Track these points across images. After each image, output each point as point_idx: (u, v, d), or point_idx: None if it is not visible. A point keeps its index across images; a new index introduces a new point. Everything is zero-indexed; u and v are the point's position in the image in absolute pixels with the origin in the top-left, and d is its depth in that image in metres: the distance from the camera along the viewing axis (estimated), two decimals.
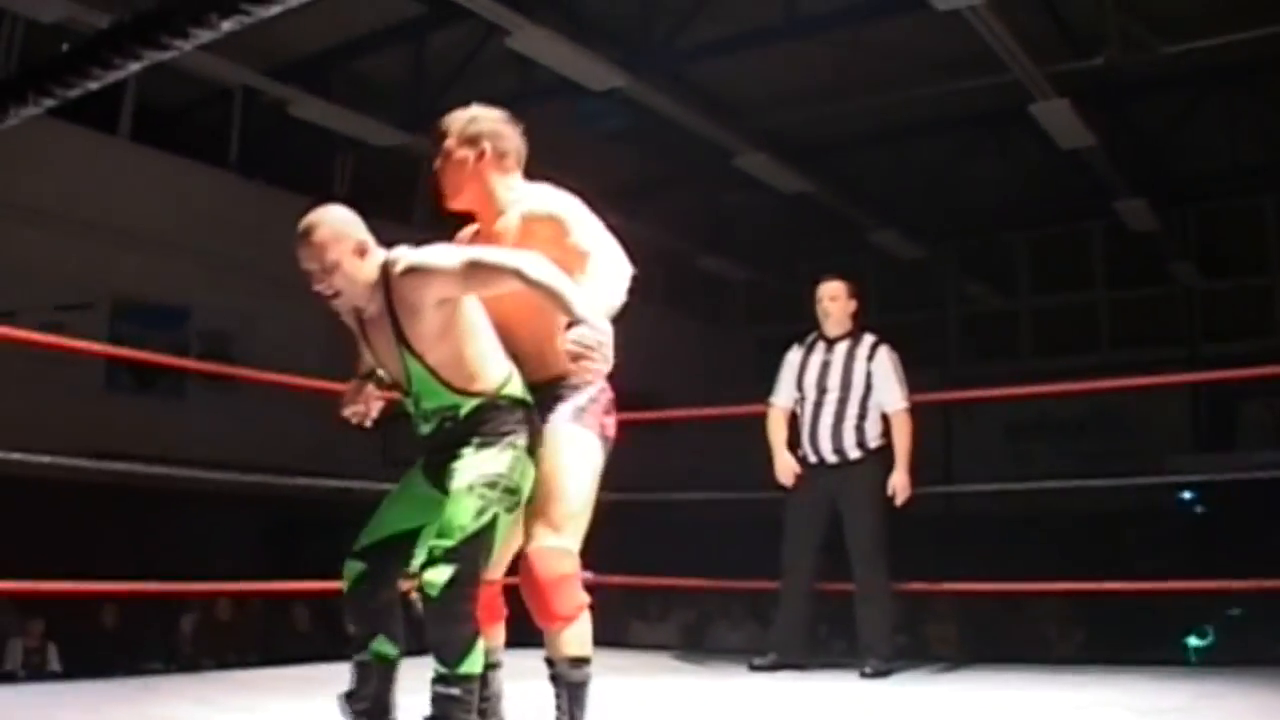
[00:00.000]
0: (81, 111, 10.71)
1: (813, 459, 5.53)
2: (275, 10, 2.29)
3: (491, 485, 2.86)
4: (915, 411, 5.49)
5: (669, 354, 14.93)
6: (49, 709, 4.02)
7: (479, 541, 2.82)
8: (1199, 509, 15.10)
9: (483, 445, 2.92)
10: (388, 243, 3.15)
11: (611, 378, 3.04)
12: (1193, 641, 11.62)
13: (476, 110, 3.28)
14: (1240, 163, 13.69)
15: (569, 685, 2.94)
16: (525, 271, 2.86)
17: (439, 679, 2.82)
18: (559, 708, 2.94)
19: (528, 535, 2.95)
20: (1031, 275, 17.20)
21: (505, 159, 3.24)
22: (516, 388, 2.99)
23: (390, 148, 11.58)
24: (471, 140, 3.21)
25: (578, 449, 3.02)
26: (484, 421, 2.95)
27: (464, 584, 2.79)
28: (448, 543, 2.81)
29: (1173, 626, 11.83)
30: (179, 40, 2.38)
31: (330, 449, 11.50)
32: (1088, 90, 10.77)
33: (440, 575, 2.78)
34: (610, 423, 3.13)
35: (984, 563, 7.22)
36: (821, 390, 5.54)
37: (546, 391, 3.07)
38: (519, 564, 2.98)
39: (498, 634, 3.27)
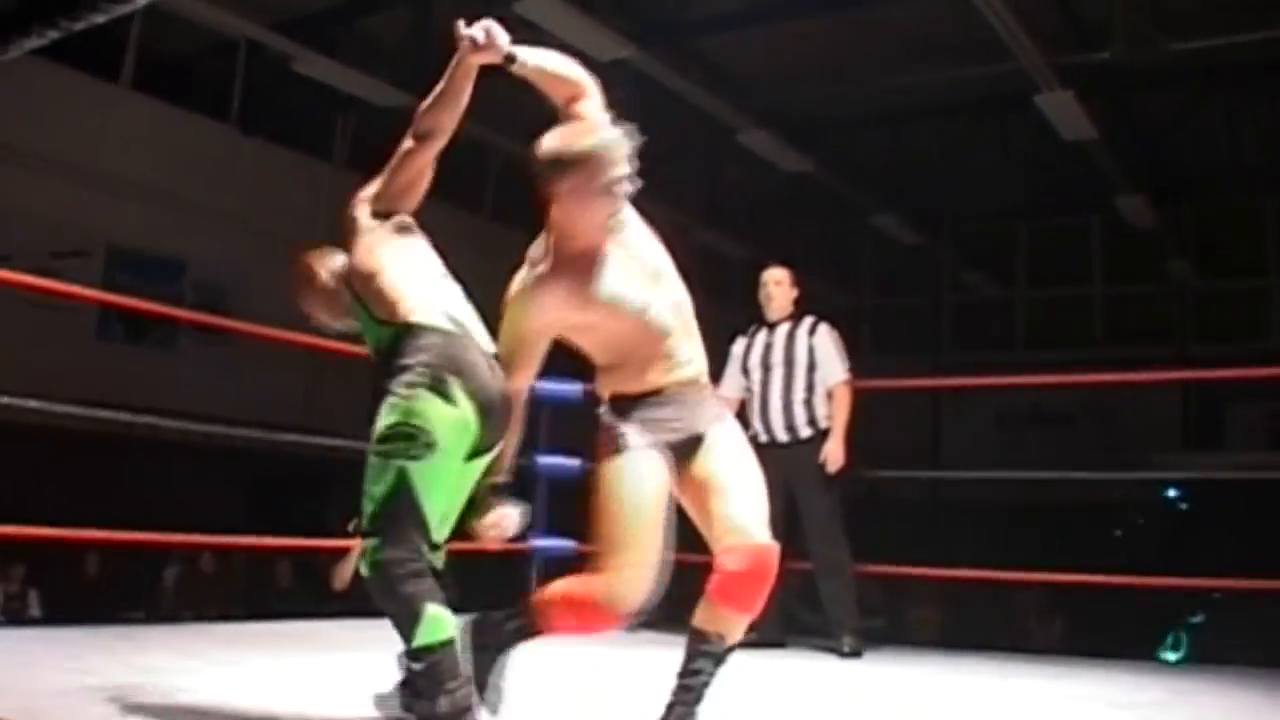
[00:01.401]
0: (84, 58, 10.68)
1: (764, 438, 5.56)
2: None
3: (385, 440, 2.70)
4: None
5: None
6: (30, 654, 4.02)
7: (395, 504, 2.67)
8: (1183, 506, 15.16)
9: (383, 401, 2.78)
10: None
11: None
12: (1169, 656, 11.65)
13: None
14: (1241, 163, 13.71)
15: (718, 659, 2.88)
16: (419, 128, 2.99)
17: (405, 655, 2.74)
18: (700, 675, 2.86)
19: (747, 525, 2.85)
20: (1028, 267, 17.21)
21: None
22: (435, 317, 2.85)
23: (392, 108, 11.53)
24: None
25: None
26: (397, 353, 2.80)
27: (396, 553, 2.66)
28: (366, 515, 2.71)
29: (1152, 623, 11.88)
30: None
31: (320, 405, 11.53)
32: (1092, 83, 10.74)
33: (369, 553, 2.68)
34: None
35: (967, 549, 7.24)
36: (766, 368, 5.69)
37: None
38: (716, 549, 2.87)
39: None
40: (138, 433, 8.21)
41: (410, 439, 2.69)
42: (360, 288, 2.97)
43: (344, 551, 6.75)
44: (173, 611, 10.12)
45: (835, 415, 5.55)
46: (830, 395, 5.61)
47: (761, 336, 5.81)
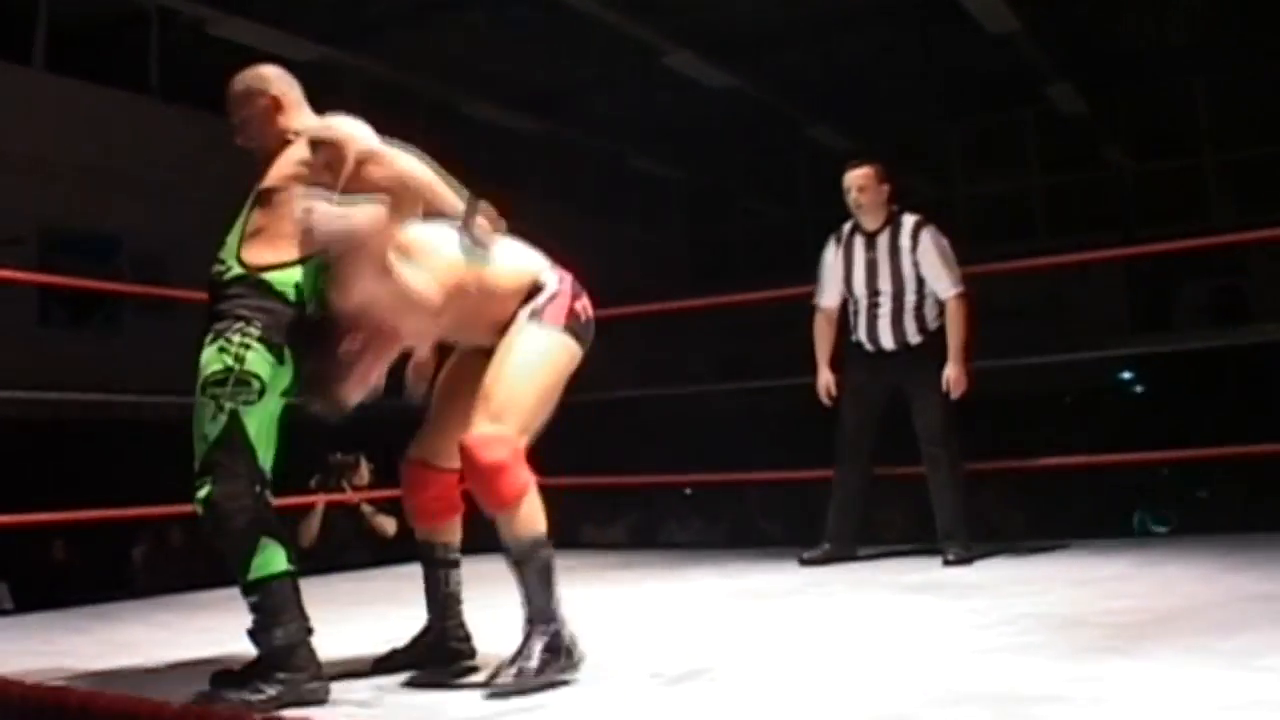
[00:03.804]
0: None
1: (870, 348, 5.29)
2: None
3: (219, 382, 2.78)
4: (969, 297, 5.18)
5: (606, 255, 14.89)
6: (2, 642, 4.00)
7: (228, 445, 2.76)
8: (1137, 389, 15.35)
9: (214, 338, 2.84)
10: None
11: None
12: (1158, 529, 11.79)
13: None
14: (1168, 43, 13.75)
15: (532, 568, 2.89)
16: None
17: (241, 590, 2.78)
18: (525, 597, 2.90)
19: (471, 424, 2.92)
20: (964, 165, 17.26)
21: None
22: (285, 282, 2.88)
23: (311, 62, 11.40)
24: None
25: (531, 343, 3.01)
26: (230, 297, 2.88)
27: (227, 494, 2.74)
28: (198, 455, 2.77)
29: (1114, 505, 12.03)
30: None
31: None
32: None
33: (200, 491, 2.75)
34: (581, 306, 3.13)
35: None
36: (874, 293, 5.25)
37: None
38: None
39: (452, 530, 3.25)
40: (90, 413, 8.15)
41: (245, 382, 2.78)
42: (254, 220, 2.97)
43: (308, 508, 6.80)
44: (145, 589, 10.08)
45: (951, 335, 5.13)
46: (941, 306, 5.23)
47: (860, 249, 5.30)
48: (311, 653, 2.80)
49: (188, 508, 2.87)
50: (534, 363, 3.00)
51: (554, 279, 3.13)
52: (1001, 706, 2.44)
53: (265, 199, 2.96)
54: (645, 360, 13.46)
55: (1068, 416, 14.54)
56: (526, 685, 2.78)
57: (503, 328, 3.05)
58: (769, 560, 5.59)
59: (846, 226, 5.38)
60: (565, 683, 2.85)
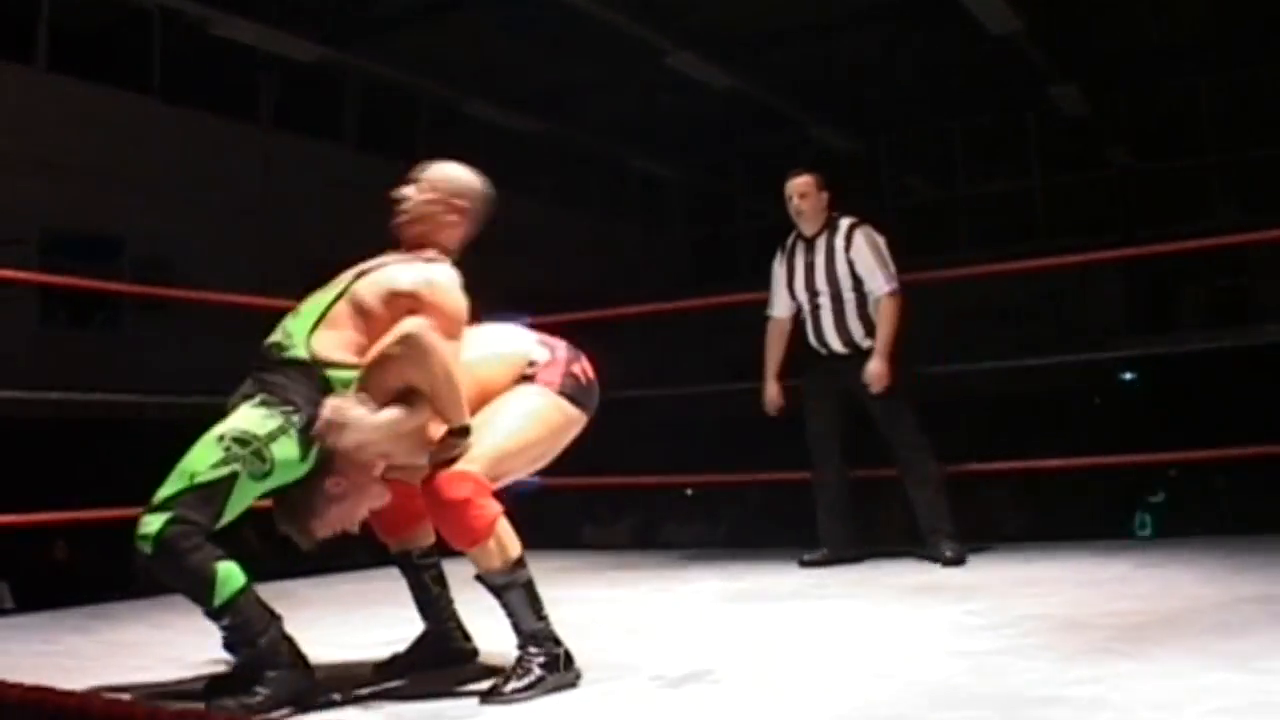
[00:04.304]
0: None
1: (823, 352, 5.38)
2: None
3: (242, 442, 2.73)
4: (902, 295, 5.22)
5: (608, 257, 14.90)
6: (4, 642, 4.00)
7: (207, 495, 2.70)
8: (1139, 389, 15.32)
9: (261, 403, 2.81)
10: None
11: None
12: (1143, 533, 11.79)
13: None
14: (1171, 43, 13.73)
15: (514, 594, 2.89)
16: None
17: (209, 617, 2.76)
18: (514, 623, 2.90)
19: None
20: (967, 165, 17.25)
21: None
22: (342, 383, 2.85)
23: (314, 63, 11.42)
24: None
25: (517, 399, 3.01)
26: (286, 378, 2.84)
27: (183, 533, 2.67)
28: (173, 489, 2.70)
29: (1116, 505, 12.03)
30: None
31: None
32: None
33: (152, 526, 2.67)
34: (579, 369, 3.13)
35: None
36: (814, 294, 5.35)
37: None
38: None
39: (424, 534, 3.24)
40: (92, 413, 8.16)
41: (261, 458, 2.74)
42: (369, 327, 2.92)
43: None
44: (146, 590, 10.07)
45: (880, 329, 5.20)
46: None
47: (801, 255, 5.41)
48: (290, 644, 2.81)
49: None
50: (516, 413, 2.99)
51: (544, 353, 3.12)
52: (1003, 708, 2.44)
53: (359, 303, 2.91)
54: (646, 360, 13.48)
55: (1069, 416, 14.53)
56: (525, 697, 2.79)
57: None
58: (769, 562, 5.58)
59: (790, 237, 5.50)
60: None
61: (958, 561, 5.02)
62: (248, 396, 2.85)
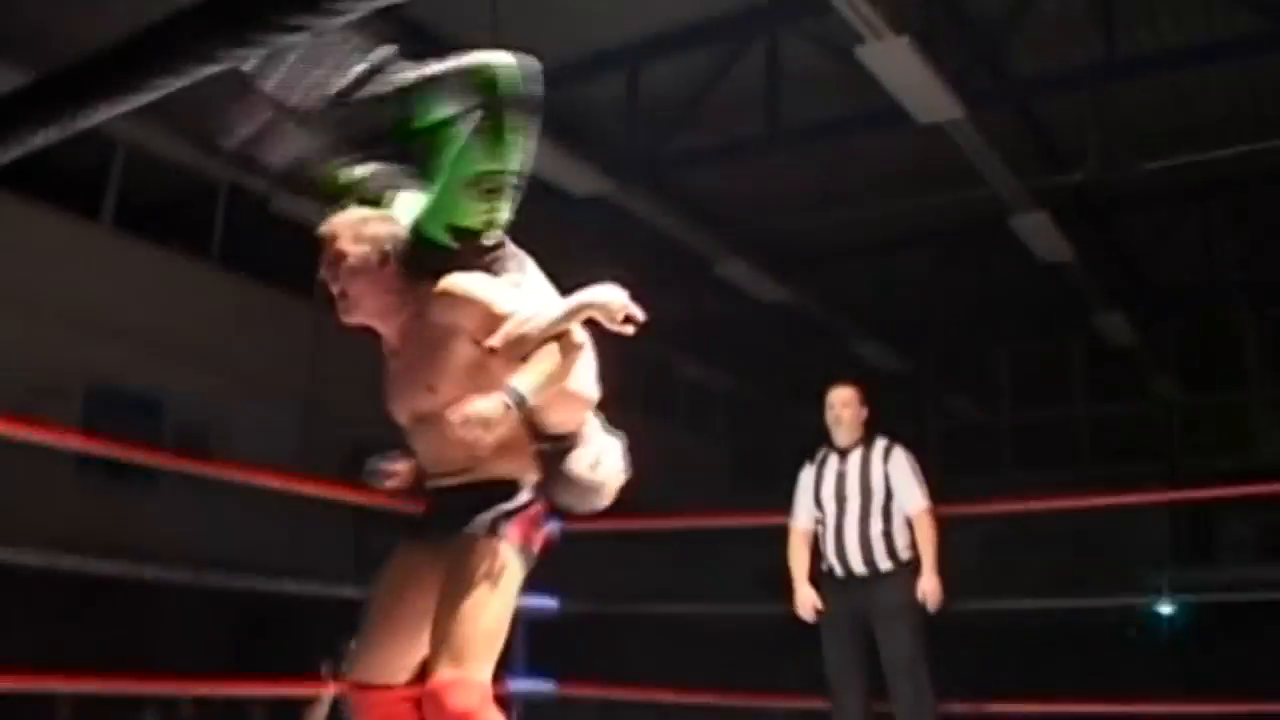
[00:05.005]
0: (63, 198, 10.75)
1: (840, 573, 5.28)
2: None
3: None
4: (939, 515, 5.24)
5: (648, 462, 14.84)
6: None
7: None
8: (1177, 625, 14.98)
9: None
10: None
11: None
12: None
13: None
14: (1218, 276, 13.80)
15: None
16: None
17: None
18: None
19: (431, 666, 2.78)
20: (1012, 389, 17.23)
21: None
22: None
23: None
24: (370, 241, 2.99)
25: (487, 569, 2.83)
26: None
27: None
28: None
29: None
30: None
31: (303, 546, 11.39)
32: (1067, 204, 10.87)
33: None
34: (539, 536, 2.98)
35: (959, 676, 7.10)
36: (841, 500, 5.30)
37: (469, 494, 2.93)
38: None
39: None
40: (117, 574, 8.09)
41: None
42: None
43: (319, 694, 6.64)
44: None
45: (923, 548, 5.15)
46: (911, 525, 5.25)
47: (833, 464, 5.40)
48: None
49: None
50: (493, 594, 2.84)
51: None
52: None
53: None
54: (672, 560, 13.33)
55: (1102, 648, 14.20)
56: None
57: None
58: None
59: (822, 449, 5.50)
60: None
61: None
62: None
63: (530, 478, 2.98)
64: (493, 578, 2.83)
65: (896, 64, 8.10)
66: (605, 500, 3.00)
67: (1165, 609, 14.89)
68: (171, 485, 11.62)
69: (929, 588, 5.08)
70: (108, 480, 11.42)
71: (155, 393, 11.77)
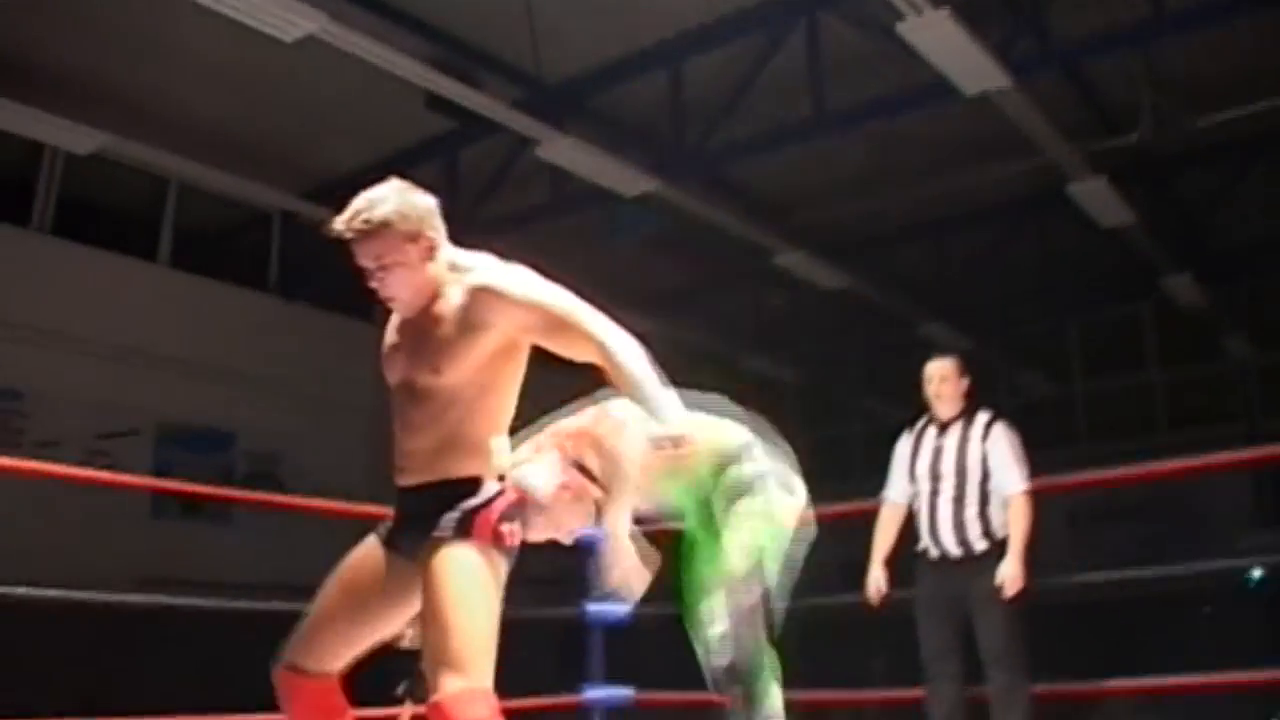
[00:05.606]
0: (120, 240, 10.86)
1: (934, 554, 5.16)
2: None
3: None
4: (1034, 497, 5.07)
5: None
6: None
7: None
8: (1266, 589, 14.69)
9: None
10: None
11: None
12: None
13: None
14: None
15: None
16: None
17: None
18: None
19: (429, 679, 2.73)
20: (1083, 360, 16.98)
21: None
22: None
23: None
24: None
25: (463, 573, 2.78)
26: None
27: None
28: None
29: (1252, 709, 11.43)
30: None
31: None
32: (1124, 167, 10.67)
33: None
34: (511, 529, 2.90)
35: (1050, 655, 6.97)
36: (935, 478, 5.19)
37: (432, 495, 2.90)
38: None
39: None
40: (197, 608, 8.13)
41: None
42: None
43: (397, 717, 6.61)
44: None
45: (1013, 530, 4.98)
46: (1006, 505, 5.09)
47: (930, 438, 5.32)
48: None
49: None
50: (474, 597, 2.78)
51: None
52: None
53: None
54: None
55: (1194, 624, 13.94)
56: None
57: None
58: None
59: (923, 419, 5.42)
60: None
61: None
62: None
63: (493, 473, 2.94)
64: (470, 582, 2.77)
65: (938, 37, 7.97)
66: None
67: (1256, 573, 14.60)
68: (245, 519, 11.71)
69: (1009, 573, 4.91)
70: (183, 517, 11.52)
71: (225, 425, 11.86)
